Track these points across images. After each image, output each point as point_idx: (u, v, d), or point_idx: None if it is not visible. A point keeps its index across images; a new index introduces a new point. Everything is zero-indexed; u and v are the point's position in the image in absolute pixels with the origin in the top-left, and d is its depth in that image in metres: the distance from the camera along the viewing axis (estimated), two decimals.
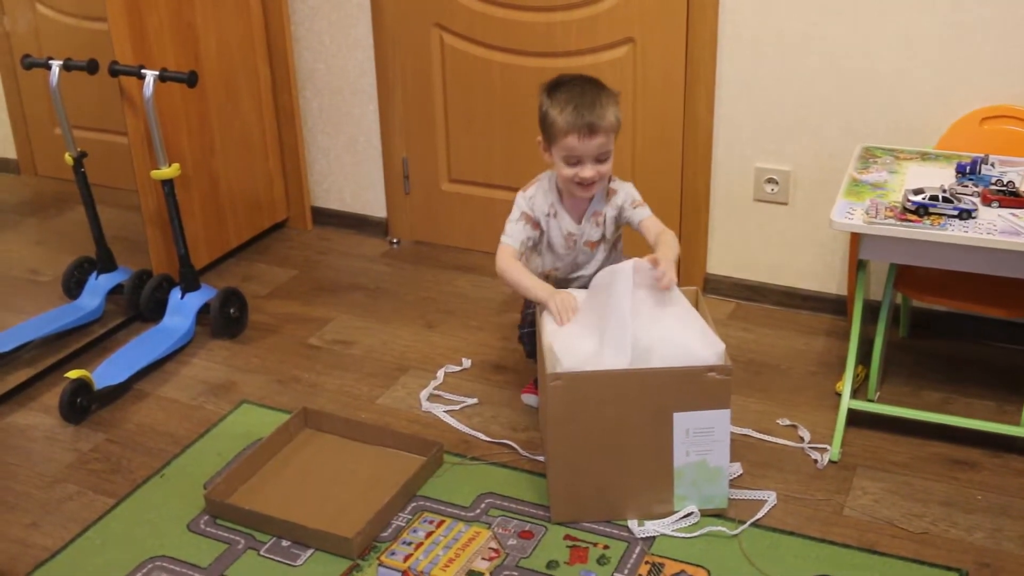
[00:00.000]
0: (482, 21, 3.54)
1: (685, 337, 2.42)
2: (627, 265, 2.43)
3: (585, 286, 2.70)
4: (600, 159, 2.57)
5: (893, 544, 2.42)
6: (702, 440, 2.43)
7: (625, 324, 2.38)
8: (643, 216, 2.70)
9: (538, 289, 2.59)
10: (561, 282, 2.78)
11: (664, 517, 2.49)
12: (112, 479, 2.72)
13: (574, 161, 2.57)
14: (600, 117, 2.52)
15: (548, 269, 2.78)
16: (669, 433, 2.42)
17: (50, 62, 3.21)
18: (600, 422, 2.41)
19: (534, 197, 2.70)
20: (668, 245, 2.59)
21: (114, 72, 3.18)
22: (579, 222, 2.71)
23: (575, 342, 2.42)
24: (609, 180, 2.70)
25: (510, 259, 2.66)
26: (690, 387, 2.38)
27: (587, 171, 2.57)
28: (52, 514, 2.60)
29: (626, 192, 2.72)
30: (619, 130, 2.60)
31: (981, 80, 2.94)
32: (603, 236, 2.74)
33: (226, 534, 2.51)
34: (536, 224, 2.70)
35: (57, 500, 2.65)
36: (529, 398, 2.96)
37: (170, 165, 3.23)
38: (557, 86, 2.60)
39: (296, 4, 3.82)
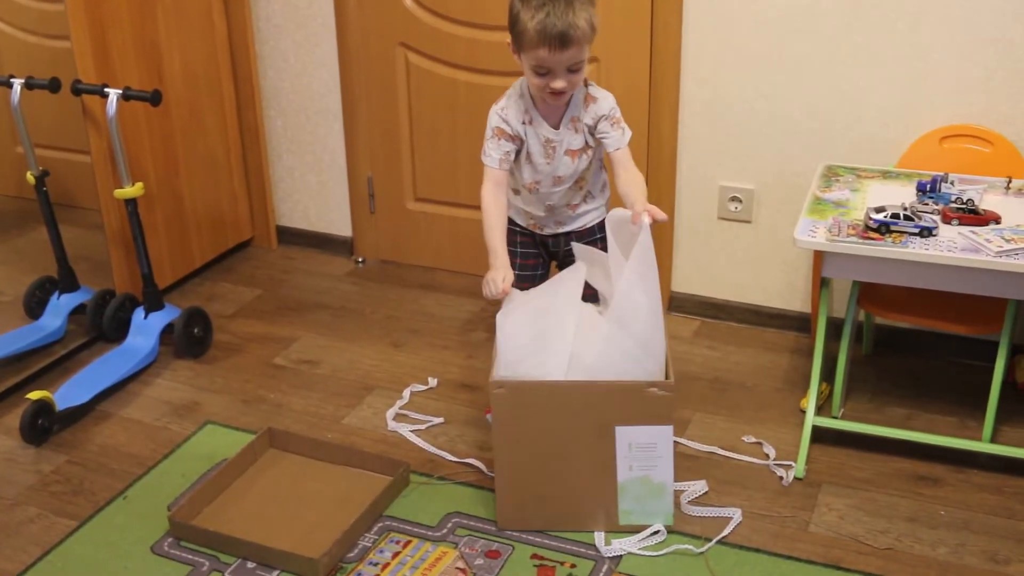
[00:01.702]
0: (447, 40, 3.54)
1: (635, 348, 2.40)
2: (581, 271, 2.44)
3: (569, 203, 2.66)
4: (572, 69, 2.40)
5: (858, 560, 2.44)
6: (645, 455, 2.44)
7: (566, 335, 2.40)
8: (619, 144, 2.55)
9: (495, 251, 2.49)
10: (544, 197, 2.64)
11: (611, 531, 2.51)
12: (74, 501, 2.69)
13: (544, 72, 2.40)
14: (573, 27, 2.32)
15: (529, 183, 2.62)
16: (612, 447, 2.43)
17: (11, 80, 3.18)
18: (543, 432, 2.43)
19: (506, 108, 2.53)
20: (642, 192, 2.51)
21: (77, 91, 3.16)
22: (557, 128, 2.54)
23: (520, 331, 2.41)
24: (587, 84, 2.55)
25: (492, 192, 2.54)
26: (632, 402, 2.39)
27: (558, 82, 2.41)
28: (12, 537, 2.57)
29: (608, 104, 2.54)
30: (594, 36, 2.40)
31: (941, 99, 2.98)
32: (585, 143, 2.57)
33: (190, 556, 2.49)
34: (513, 137, 2.53)
35: (17, 523, 2.62)
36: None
37: (133, 184, 3.21)
38: None
39: (261, 23, 3.81)
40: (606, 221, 2.50)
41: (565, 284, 2.50)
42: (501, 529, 2.54)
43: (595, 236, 2.72)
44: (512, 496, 2.51)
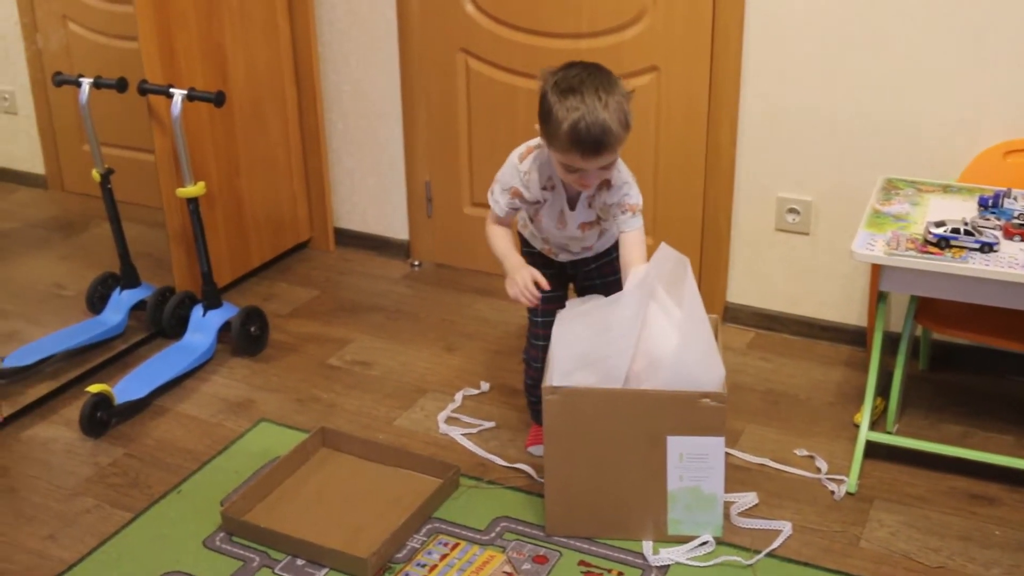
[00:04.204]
0: (507, 47, 3.56)
1: (689, 359, 2.38)
2: (645, 278, 2.41)
3: (584, 246, 2.62)
4: (604, 168, 2.36)
5: None
6: (696, 466, 2.43)
7: (626, 350, 2.38)
8: (629, 228, 2.48)
9: (508, 259, 2.52)
10: (559, 241, 2.63)
11: (660, 540, 2.50)
12: (130, 493, 2.74)
13: (574, 169, 2.35)
14: (607, 133, 2.25)
15: (545, 230, 2.61)
16: (663, 456, 2.43)
17: (80, 80, 3.24)
18: (595, 439, 2.43)
19: (529, 174, 2.48)
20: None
21: (143, 91, 3.21)
22: (573, 207, 2.51)
23: (576, 342, 2.40)
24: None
25: (495, 223, 2.57)
26: (684, 412, 2.38)
27: (589, 179, 2.38)
28: (70, 527, 2.62)
29: (622, 192, 2.47)
30: (628, 134, 2.33)
31: (1005, 113, 2.94)
32: (598, 218, 2.54)
33: (241, 551, 2.52)
34: (529, 202, 2.51)
35: (75, 513, 2.67)
36: (537, 449, 2.83)
37: (196, 183, 3.25)
38: (568, 88, 2.28)
39: (324, 26, 3.85)
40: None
41: (629, 299, 2.42)
42: (549, 535, 2.54)
43: (611, 256, 2.68)
44: (561, 502, 2.51)
